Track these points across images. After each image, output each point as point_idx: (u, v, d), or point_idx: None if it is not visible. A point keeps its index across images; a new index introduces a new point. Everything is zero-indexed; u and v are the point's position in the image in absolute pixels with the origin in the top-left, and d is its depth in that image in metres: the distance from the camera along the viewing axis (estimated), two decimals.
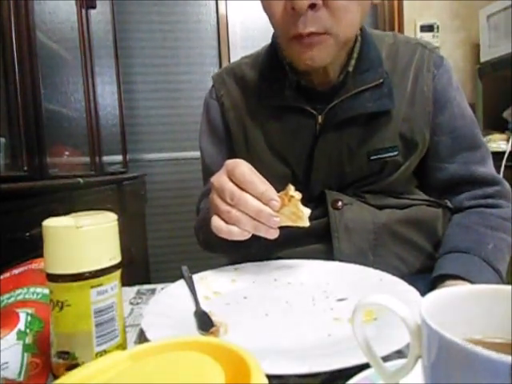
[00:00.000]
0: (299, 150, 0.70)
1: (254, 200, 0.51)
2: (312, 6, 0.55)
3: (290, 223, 0.53)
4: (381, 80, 0.66)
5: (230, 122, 0.76)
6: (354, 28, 0.62)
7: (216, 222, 0.54)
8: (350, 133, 0.68)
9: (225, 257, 0.83)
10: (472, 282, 0.56)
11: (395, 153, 0.68)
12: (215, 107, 0.79)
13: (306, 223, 0.53)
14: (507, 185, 0.72)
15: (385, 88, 0.66)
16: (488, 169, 0.72)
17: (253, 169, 0.53)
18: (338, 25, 0.57)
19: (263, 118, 0.72)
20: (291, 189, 0.52)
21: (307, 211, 0.53)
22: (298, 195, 0.52)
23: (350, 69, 0.67)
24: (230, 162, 0.54)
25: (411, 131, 0.68)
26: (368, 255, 0.68)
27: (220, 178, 0.54)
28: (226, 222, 0.53)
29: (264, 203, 0.51)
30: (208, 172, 0.79)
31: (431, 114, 0.69)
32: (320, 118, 0.67)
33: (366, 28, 0.71)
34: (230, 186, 0.52)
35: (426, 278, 0.62)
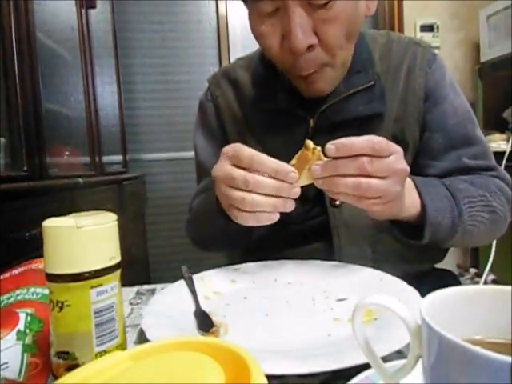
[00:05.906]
0: (293, 153, 0.70)
1: (270, 180, 0.49)
2: (309, 47, 0.57)
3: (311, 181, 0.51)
4: (372, 82, 0.66)
5: (226, 122, 0.77)
6: (351, 52, 0.65)
7: (237, 213, 0.51)
8: (342, 136, 0.67)
9: (225, 257, 0.83)
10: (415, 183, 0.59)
11: None
12: (210, 108, 0.79)
13: None
14: (506, 174, 0.71)
15: (376, 90, 0.66)
16: (482, 162, 0.69)
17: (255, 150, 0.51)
18: (334, 58, 0.61)
19: (257, 121, 0.73)
20: (310, 143, 0.50)
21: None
22: (318, 146, 0.50)
23: None
24: (229, 149, 0.52)
25: (402, 132, 0.68)
26: (368, 252, 0.68)
27: (224, 167, 0.52)
28: (242, 210, 0.51)
29: (281, 180, 0.49)
30: (202, 170, 0.79)
31: (422, 110, 0.69)
32: (312, 122, 0.68)
33: None
34: (239, 172, 0.50)
35: (426, 278, 0.62)
